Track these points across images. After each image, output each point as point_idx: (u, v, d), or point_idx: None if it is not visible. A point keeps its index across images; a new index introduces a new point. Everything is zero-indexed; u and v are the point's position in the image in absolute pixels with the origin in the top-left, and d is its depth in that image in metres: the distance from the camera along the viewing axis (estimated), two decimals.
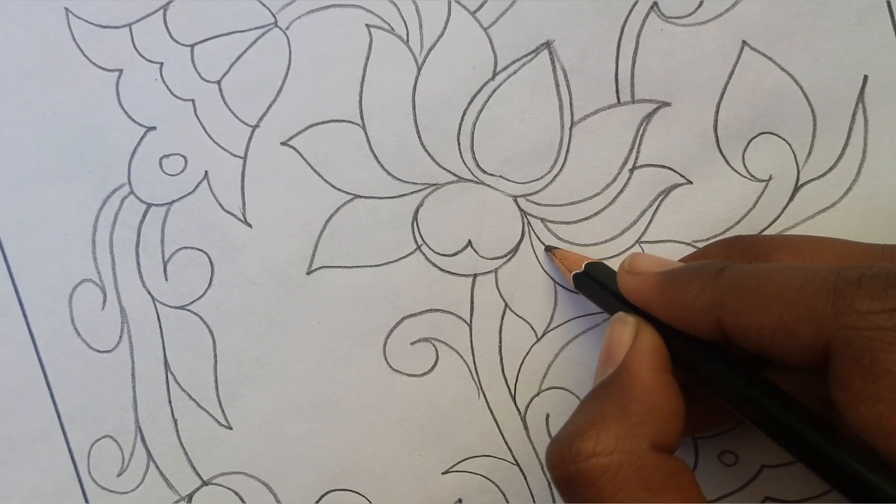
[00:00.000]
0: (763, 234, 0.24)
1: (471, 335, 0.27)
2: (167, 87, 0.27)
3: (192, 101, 0.27)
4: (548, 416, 0.27)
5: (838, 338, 0.16)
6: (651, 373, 0.20)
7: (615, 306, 0.22)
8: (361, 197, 0.27)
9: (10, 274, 0.27)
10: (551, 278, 0.26)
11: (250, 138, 0.27)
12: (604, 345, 0.21)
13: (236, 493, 0.27)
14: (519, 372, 0.27)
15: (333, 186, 0.27)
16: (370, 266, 0.27)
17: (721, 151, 0.26)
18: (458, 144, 0.27)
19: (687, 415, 0.20)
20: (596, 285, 0.24)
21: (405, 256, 0.27)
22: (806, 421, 0.18)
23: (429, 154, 0.27)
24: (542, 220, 0.27)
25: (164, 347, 0.27)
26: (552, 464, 0.19)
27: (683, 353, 0.21)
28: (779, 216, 0.26)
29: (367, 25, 0.26)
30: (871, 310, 0.16)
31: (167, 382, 0.27)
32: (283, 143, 0.27)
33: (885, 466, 0.16)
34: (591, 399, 0.20)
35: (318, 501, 0.27)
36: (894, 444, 0.16)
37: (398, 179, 0.27)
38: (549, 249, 0.26)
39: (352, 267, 0.27)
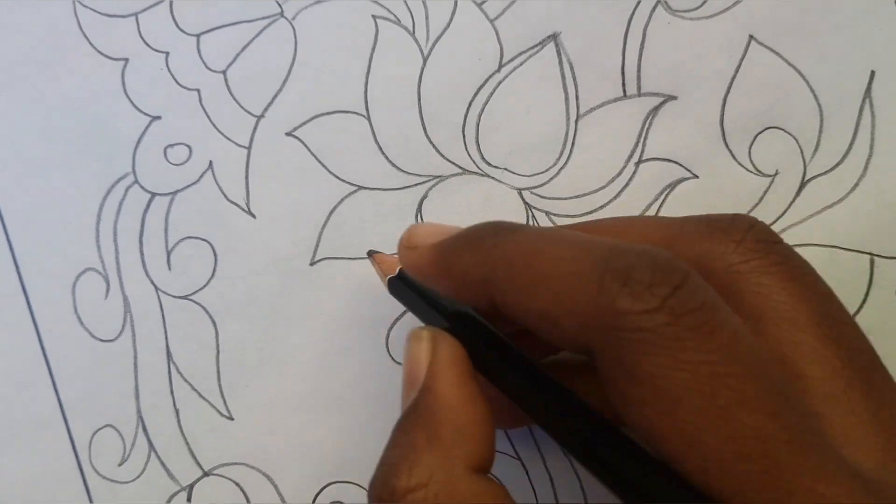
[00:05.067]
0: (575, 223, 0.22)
1: None
2: (173, 76, 0.27)
3: (198, 90, 0.27)
4: None
5: (599, 338, 0.15)
6: (454, 388, 0.18)
7: (425, 311, 0.21)
8: (366, 188, 0.27)
9: (15, 261, 0.27)
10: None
11: (255, 128, 0.27)
12: (404, 365, 0.20)
13: (237, 484, 0.27)
14: None
15: (338, 177, 0.27)
16: None
17: (727, 146, 0.26)
18: (464, 136, 0.27)
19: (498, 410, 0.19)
20: (408, 289, 0.22)
21: None
22: (580, 416, 0.17)
23: (433, 146, 0.27)
24: (547, 213, 0.27)
25: (166, 337, 0.27)
26: None
27: (479, 355, 0.19)
28: (785, 211, 0.26)
29: (373, 16, 0.26)
30: (631, 310, 0.15)
31: (169, 372, 0.27)
32: (287, 134, 0.27)
33: (647, 459, 0.15)
34: (401, 430, 0.19)
35: (319, 493, 0.27)
36: (666, 447, 0.15)
37: (402, 171, 0.27)
38: (370, 254, 0.25)
39: (355, 258, 0.27)
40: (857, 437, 0.16)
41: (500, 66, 0.26)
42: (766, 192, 0.26)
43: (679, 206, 0.26)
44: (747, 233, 0.18)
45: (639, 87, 0.26)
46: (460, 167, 0.27)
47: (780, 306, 0.17)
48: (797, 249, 0.25)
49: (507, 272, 0.17)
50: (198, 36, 0.27)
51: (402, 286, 0.22)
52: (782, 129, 0.26)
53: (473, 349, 0.19)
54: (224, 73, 0.27)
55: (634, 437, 0.16)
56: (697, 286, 0.15)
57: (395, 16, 0.26)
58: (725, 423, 0.14)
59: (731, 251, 0.18)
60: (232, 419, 0.27)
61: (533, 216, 0.27)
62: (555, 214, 0.27)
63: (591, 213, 0.26)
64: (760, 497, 0.14)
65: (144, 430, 0.27)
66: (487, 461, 0.18)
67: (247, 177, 0.27)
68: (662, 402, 0.14)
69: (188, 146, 0.27)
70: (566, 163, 0.26)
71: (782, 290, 0.17)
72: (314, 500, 0.27)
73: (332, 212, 0.27)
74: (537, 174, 0.27)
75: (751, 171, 0.26)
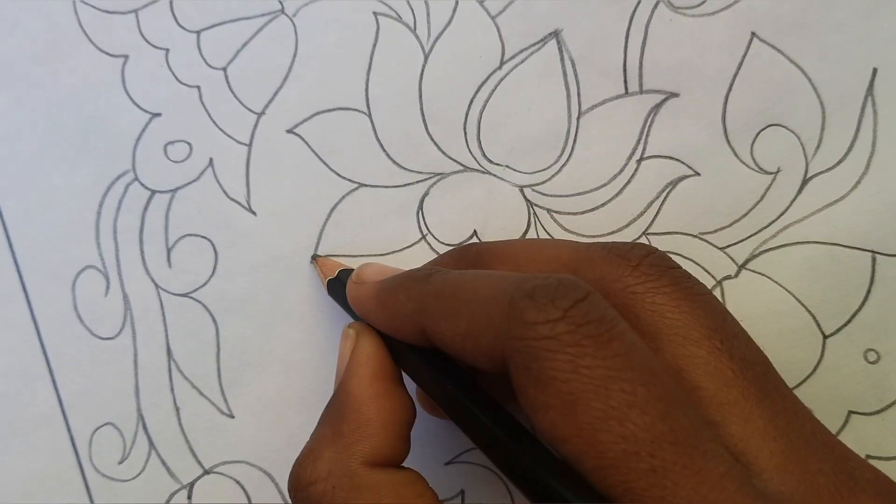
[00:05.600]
0: (494, 241, 0.24)
1: None
2: (173, 73, 0.27)
3: (198, 87, 0.27)
4: None
5: (510, 348, 0.17)
6: (364, 386, 0.20)
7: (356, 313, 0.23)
8: (367, 185, 0.27)
9: (15, 259, 0.27)
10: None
11: (255, 125, 0.27)
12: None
13: (237, 482, 0.27)
14: None
15: (339, 175, 0.27)
16: (375, 255, 0.27)
17: (729, 143, 0.26)
18: (465, 133, 0.27)
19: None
20: (344, 290, 0.24)
21: (410, 246, 0.27)
22: (493, 419, 0.18)
23: (435, 143, 0.27)
24: (549, 210, 0.26)
25: (166, 335, 0.27)
26: (289, 494, 0.20)
27: (401, 356, 0.21)
28: (787, 209, 0.26)
29: (375, 13, 0.26)
30: (537, 320, 0.16)
31: (169, 370, 0.27)
32: (288, 131, 0.27)
33: (561, 467, 0.16)
34: (318, 423, 0.21)
35: None
36: (567, 448, 0.16)
37: (404, 168, 0.27)
38: (313, 258, 0.27)
39: (356, 256, 0.27)
40: (756, 444, 0.17)
41: (502, 64, 0.26)
42: (767, 190, 0.26)
43: (681, 204, 0.26)
44: (644, 259, 0.19)
45: (640, 85, 0.26)
46: (462, 164, 0.27)
47: (674, 323, 0.18)
48: (798, 247, 0.26)
49: (436, 303, 0.19)
50: (198, 32, 0.27)
51: (341, 287, 0.24)
52: (784, 127, 0.26)
53: (394, 344, 0.21)
54: (224, 69, 0.27)
55: (542, 440, 0.17)
56: (597, 302, 0.17)
57: (396, 13, 0.26)
58: (618, 423, 0.15)
59: (627, 274, 0.19)
60: (232, 417, 0.27)
61: (534, 213, 0.27)
62: (556, 212, 0.26)
63: (592, 210, 0.26)
64: (646, 495, 0.15)
65: (145, 428, 0.27)
66: (392, 456, 0.20)
67: (247, 174, 0.27)
68: (563, 404, 0.16)
69: (188, 143, 0.27)
70: (568, 160, 0.26)
71: (675, 308, 0.19)
72: None
73: (332, 209, 0.27)
74: (539, 171, 0.26)
75: (753, 169, 0.26)
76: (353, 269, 0.24)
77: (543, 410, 0.16)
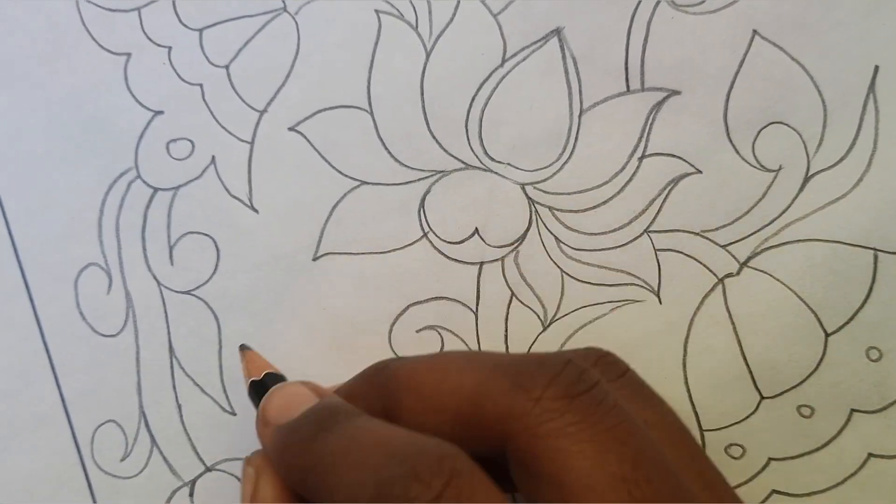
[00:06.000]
0: (406, 361, 0.21)
1: (476, 324, 0.27)
2: (175, 71, 0.27)
3: (200, 85, 0.27)
4: None
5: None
6: None
7: None
8: (368, 183, 0.27)
9: (17, 257, 0.27)
10: None
11: (258, 123, 0.27)
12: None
13: (239, 480, 0.27)
14: None
15: (340, 172, 0.27)
16: (376, 253, 0.27)
17: (731, 141, 0.26)
18: (466, 131, 0.27)
19: None
20: None
21: (411, 244, 0.27)
22: None
23: (436, 141, 0.27)
24: (550, 208, 0.26)
25: (168, 332, 0.27)
26: None
27: None
28: (788, 207, 0.26)
29: (376, 11, 0.26)
30: None
31: (172, 367, 0.27)
32: (290, 129, 0.27)
33: None
34: None
35: None
36: None
37: (405, 166, 0.27)
38: (242, 348, 0.25)
39: (358, 253, 0.27)
40: None
41: (504, 61, 0.26)
42: (769, 188, 0.26)
43: (682, 201, 0.26)
44: (547, 388, 0.17)
45: (642, 82, 0.26)
46: (463, 162, 0.27)
47: (579, 472, 0.16)
48: (800, 245, 0.26)
49: (319, 471, 0.17)
50: (200, 30, 0.27)
51: (263, 393, 0.22)
52: (786, 125, 0.26)
53: None
54: (227, 67, 0.27)
55: None
56: (468, 482, 0.15)
57: (397, 10, 0.26)
58: None
59: (528, 411, 0.17)
60: (234, 414, 0.27)
61: (536, 211, 0.27)
62: (558, 209, 0.26)
63: (594, 207, 0.26)
64: None
65: (147, 425, 0.27)
66: None
67: (249, 172, 0.27)
68: None
69: (191, 141, 0.27)
70: (569, 158, 0.26)
71: (578, 453, 0.16)
72: None
73: (334, 207, 0.27)
74: (540, 169, 0.26)
75: (754, 167, 0.26)
76: (281, 376, 0.23)
77: None
